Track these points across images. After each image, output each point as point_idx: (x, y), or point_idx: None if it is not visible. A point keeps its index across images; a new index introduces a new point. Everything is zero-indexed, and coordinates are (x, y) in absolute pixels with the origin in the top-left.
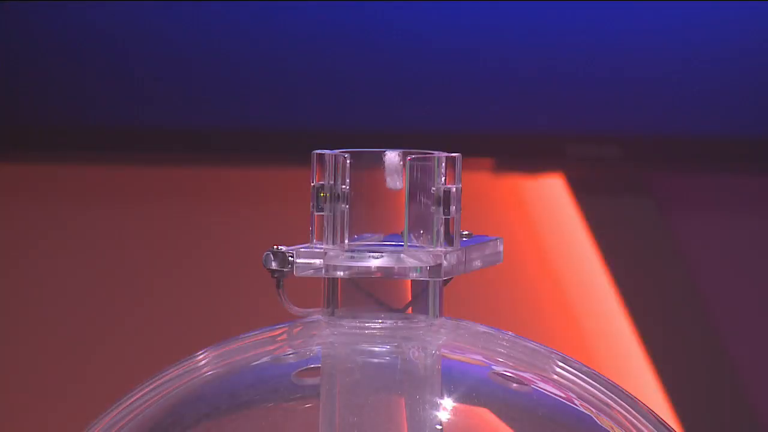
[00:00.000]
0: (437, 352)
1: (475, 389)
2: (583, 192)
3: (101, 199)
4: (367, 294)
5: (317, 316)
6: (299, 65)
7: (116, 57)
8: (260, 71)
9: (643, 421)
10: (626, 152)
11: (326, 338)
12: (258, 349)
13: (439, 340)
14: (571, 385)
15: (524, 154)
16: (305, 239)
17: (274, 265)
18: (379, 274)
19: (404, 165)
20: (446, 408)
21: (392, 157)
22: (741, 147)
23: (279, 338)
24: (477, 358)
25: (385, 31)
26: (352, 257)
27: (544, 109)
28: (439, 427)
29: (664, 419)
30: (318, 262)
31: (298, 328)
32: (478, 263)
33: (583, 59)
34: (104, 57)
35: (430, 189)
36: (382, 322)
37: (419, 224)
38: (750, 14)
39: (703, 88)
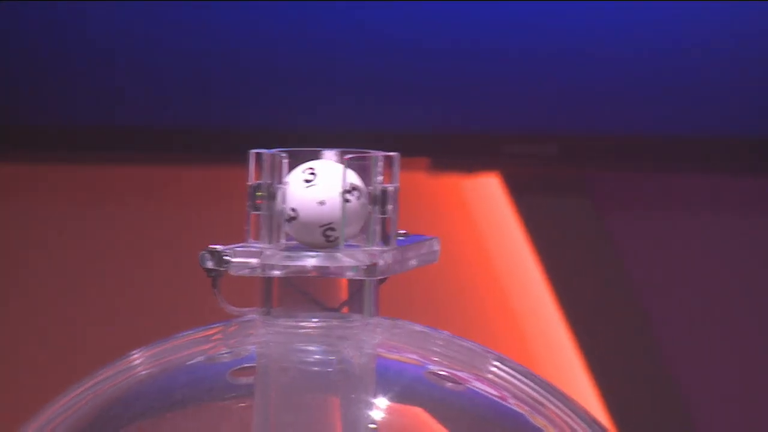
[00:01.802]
0: (372, 352)
1: (410, 388)
2: (518, 191)
3: (100, 199)
4: (303, 293)
5: (253, 315)
6: (296, 65)
7: (115, 57)
8: (261, 71)
9: (577, 419)
10: (562, 151)
11: (261, 337)
12: (192, 348)
13: (375, 339)
14: (505, 384)
15: (461, 153)
16: (242, 239)
17: (210, 265)
18: (314, 273)
19: (342, 164)
20: (380, 407)
21: (329, 156)
22: (741, 147)
23: (214, 337)
24: (412, 357)
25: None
26: (288, 256)
27: (479, 109)
28: (373, 426)
29: (596, 417)
30: (254, 261)
31: (234, 328)
32: (413, 262)
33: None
34: (103, 57)
35: (367, 188)
36: (317, 322)
37: None
38: (750, 14)
39: (703, 88)
